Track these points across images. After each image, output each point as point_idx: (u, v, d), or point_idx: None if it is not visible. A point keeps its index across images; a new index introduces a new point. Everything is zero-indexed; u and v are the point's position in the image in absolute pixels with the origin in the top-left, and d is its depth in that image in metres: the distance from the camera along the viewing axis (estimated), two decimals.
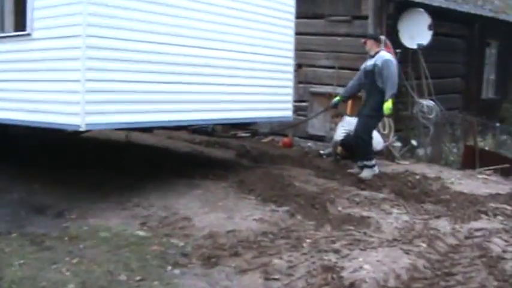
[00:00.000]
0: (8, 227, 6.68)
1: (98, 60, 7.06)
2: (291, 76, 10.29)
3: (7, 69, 8.01)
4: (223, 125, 12.33)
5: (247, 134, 13.77)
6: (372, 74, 9.63)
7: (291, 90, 10.33)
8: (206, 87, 8.54)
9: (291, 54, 10.19)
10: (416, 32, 12.00)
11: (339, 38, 12.50)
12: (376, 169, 9.68)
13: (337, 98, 10.70)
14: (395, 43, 11.98)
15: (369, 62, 9.79)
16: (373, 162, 9.69)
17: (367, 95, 10.16)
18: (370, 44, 9.84)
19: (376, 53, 9.76)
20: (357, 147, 9.89)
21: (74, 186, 8.07)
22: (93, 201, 7.56)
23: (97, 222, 6.83)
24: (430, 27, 12.11)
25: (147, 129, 10.75)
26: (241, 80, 9.14)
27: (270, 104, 9.80)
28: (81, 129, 7.12)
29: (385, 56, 9.69)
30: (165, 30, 7.89)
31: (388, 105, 9.38)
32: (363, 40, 10.16)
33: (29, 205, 7.41)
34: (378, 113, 9.73)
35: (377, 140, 10.99)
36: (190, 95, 8.33)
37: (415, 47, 12.28)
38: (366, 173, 9.57)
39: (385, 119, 11.70)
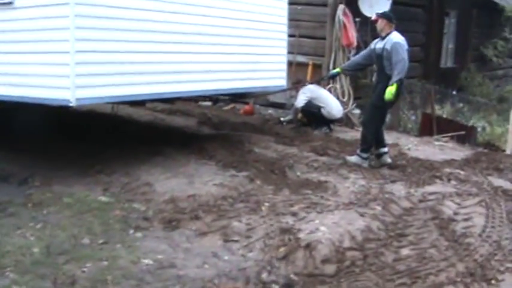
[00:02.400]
0: None
1: (89, 29, 6.75)
2: (285, 44, 10.00)
3: None
4: (217, 95, 11.55)
5: (208, 103, 13.83)
6: (381, 59, 8.52)
7: (284, 58, 10.04)
8: (200, 56, 8.25)
9: (285, 21, 9.89)
10: (376, 0, 12.08)
11: (299, 7, 12.58)
12: (366, 164, 8.59)
13: (337, 70, 9.87)
14: (355, 12, 12.13)
15: (379, 45, 8.58)
16: (367, 156, 8.65)
17: (376, 80, 9.11)
18: (381, 24, 8.55)
19: (387, 34, 8.48)
20: (361, 135, 8.95)
21: (37, 155, 8.08)
22: (57, 168, 7.62)
23: (60, 189, 6.93)
24: None
25: (139, 103, 10.34)
26: (236, 48, 8.86)
27: (264, 73, 9.53)
28: (71, 105, 6.71)
29: (394, 38, 8.41)
30: None
31: (390, 90, 8.18)
32: (373, 18, 8.90)
33: None
34: (385, 102, 8.47)
35: (337, 108, 11.21)
36: (184, 65, 8.06)
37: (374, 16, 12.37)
38: (353, 159, 8.67)
39: (345, 86, 11.91)
